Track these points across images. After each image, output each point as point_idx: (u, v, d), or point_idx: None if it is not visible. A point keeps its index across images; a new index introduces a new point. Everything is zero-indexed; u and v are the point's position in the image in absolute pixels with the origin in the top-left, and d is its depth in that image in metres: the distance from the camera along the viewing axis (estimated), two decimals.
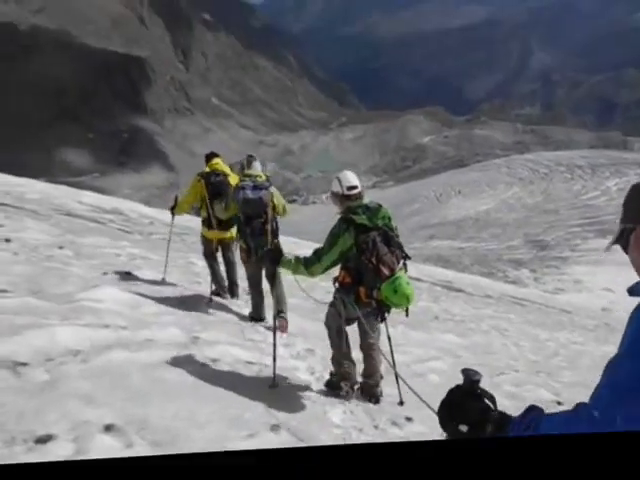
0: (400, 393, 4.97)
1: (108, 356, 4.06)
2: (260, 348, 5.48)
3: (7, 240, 7.66)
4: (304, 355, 5.79)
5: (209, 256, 7.44)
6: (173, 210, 7.71)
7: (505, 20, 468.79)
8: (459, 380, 1.72)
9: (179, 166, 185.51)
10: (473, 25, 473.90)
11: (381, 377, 5.00)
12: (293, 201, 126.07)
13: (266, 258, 5.26)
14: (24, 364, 3.58)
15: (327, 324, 4.94)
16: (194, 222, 8.15)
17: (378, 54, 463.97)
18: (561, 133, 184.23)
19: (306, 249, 12.26)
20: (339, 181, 4.74)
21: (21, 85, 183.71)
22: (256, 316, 6.60)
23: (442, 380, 5.91)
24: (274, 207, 6.25)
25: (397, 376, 4.70)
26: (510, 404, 5.40)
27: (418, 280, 17.02)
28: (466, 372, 1.72)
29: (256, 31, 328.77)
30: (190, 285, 7.73)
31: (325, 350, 5.34)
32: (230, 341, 5.41)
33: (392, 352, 4.91)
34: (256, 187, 6.12)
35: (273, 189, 6.29)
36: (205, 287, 7.59)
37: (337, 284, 4.76)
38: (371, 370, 4.93)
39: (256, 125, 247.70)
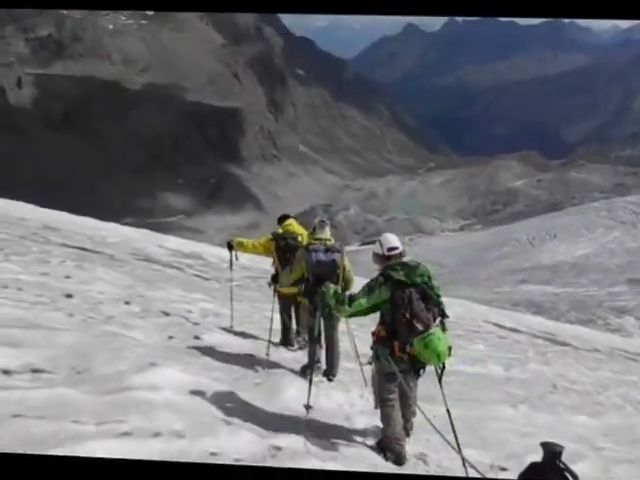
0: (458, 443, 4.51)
1: None
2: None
3: (68, 296, 7.36)
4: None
5: (283, 311, 7.59)
6: (231, 246, 7.89)
7: (607, 65, 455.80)
8: None
9: (265, 207, 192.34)
10: (572, 72, 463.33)
11: (407, 433, 5.02)
12: (372, 242, 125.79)
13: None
14: None
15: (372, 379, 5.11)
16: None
17: (470, 102, 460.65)
18: None
19: None
20: (380, 243, 4.99)
21: (123, 135, 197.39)
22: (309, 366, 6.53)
23: None
24: (344, 269, 6.43)
25: (456, 446, 4.46)
26: None
27: (516, 331, 16.24)
28: (546, 445, 1.66)
29: (347, 83, 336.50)
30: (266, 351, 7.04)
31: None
32: (320, 454, 4.33)
33: (450, 415, 4.68)
34: (328, 250, 6.36)
35: (344, 252, 6.51)
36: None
37: (374, 338, 4.88)
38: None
39: (342, 170, 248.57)
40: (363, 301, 4.75)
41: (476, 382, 8.11)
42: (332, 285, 5.24)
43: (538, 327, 19.10)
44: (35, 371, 4.38)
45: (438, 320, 4.67)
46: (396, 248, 4.91)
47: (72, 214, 20.67)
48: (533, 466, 1.61)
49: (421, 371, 4.86)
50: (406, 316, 4.55)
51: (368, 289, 4.75)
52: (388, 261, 4.86)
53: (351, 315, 4.96)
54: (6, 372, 4.19)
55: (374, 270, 5.02)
